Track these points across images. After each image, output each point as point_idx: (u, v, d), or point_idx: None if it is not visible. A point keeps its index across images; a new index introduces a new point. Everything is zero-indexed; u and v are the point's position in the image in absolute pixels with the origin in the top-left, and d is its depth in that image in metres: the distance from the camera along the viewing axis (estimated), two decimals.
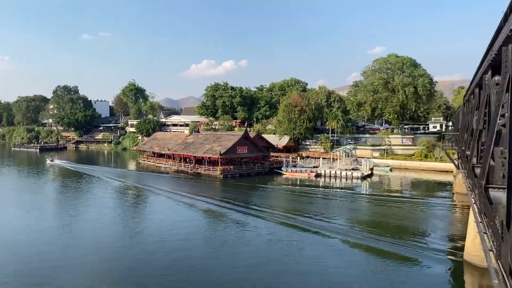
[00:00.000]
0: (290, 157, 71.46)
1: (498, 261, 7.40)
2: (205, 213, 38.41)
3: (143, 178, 62.23)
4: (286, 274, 22.04)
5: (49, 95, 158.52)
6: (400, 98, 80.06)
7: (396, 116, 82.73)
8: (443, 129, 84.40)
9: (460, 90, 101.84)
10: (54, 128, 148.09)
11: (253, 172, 63.00)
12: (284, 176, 62.03)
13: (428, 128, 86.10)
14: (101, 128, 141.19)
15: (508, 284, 6.25)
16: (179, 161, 69.97)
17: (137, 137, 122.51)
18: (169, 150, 72.35)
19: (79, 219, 35.25)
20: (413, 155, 74.30)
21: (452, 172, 52.25)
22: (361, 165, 64.38)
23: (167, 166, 71.69)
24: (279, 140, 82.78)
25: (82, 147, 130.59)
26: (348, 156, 70.61)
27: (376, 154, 77.31)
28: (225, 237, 29.46)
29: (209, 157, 62.46)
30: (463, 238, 24.73)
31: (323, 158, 69.29)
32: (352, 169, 62.37)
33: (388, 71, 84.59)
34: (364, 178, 59.41)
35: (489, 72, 12.69)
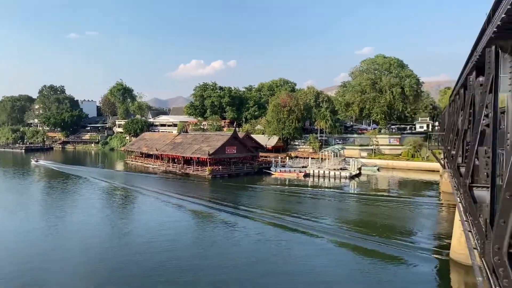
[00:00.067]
0: (279, 157, 71.67)
1: (482, 259, 7.52)
2: (193, 213, 38.24)
3: (131, 179, 61.65)
4: (275, 274, 22.07)
5: (34, 94, 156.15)
6: (388, 99, 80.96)
7: (383, 116, 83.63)
8: (430, 129, 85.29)
9: (446, 91, 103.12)
10: (40, 128, 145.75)
11: (242, 172, 62.95)
12: (273, 176, 62.13)
13: (415, 128, 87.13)
14: (88, 128, 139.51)
15: (491, 282, 6.36)
16: (167, 162, 69.57)
17: (125, 137, 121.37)
18: (157, 151, 71.86)
19: (65, 220, 34.72)
20: (400, 154, 75.14)
21: (439, 171, 52.99)
22: (349, 165, 64.83)
23: (155, 166, 71.19)
24: (268, 140, 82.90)
25: (69, 147, 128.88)
26: (337, 156, 71.07)
27: (364, 154, 78.02)
28: (213, 237, 29.36)
29: (198, 158, 62.21)
30: (449, 236, 25.05)
31: (311, 158, 69.61)
32: (341, 169, 62.79)
33: (376, 71, 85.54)
34: (352, 177, 59.90)
35: (474, 73, 12.85)
